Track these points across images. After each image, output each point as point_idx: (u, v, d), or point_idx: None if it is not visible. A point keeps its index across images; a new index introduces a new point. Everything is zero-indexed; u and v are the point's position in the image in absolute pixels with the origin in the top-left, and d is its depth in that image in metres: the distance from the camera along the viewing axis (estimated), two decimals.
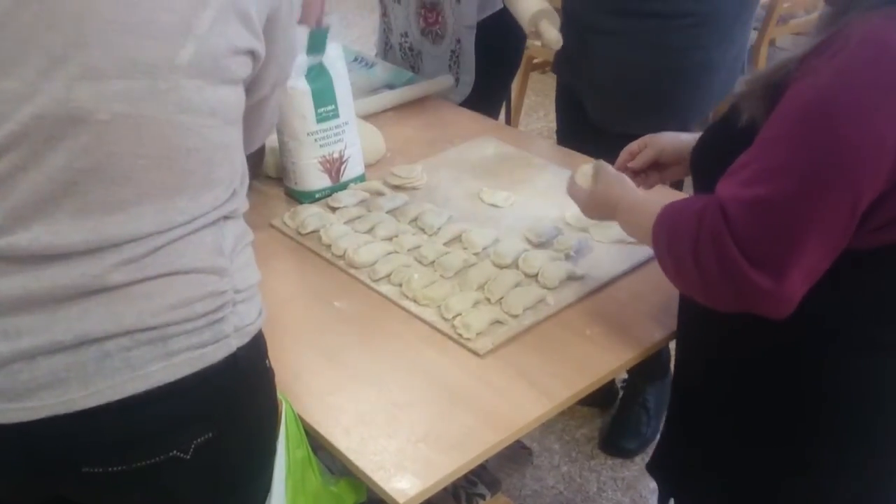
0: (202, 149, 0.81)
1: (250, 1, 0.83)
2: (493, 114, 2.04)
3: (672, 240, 0.96)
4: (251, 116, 0.99)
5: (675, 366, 1.19)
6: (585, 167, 1.22)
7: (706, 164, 0.95)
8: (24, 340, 0.77)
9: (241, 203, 0.91)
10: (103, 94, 0.75)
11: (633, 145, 1.28)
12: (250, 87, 0.91)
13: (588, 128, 1.74)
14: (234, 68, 0.83)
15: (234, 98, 0.85)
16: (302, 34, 1.35)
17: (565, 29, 1.73)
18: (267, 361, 0.93)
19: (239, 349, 0.85)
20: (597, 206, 1.16)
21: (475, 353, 1.12)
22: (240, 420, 0.88)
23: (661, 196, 1.16)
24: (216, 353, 0.83)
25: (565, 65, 1.79)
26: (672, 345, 1.20)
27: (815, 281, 0.88)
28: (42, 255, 0.77)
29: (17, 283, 0.77)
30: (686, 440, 1.17)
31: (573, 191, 1.22)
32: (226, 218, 0.87)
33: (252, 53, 0.85)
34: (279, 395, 0.98)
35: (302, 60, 1.37)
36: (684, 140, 1.22)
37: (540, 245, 1.34)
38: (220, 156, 0.84)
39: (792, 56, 0.90)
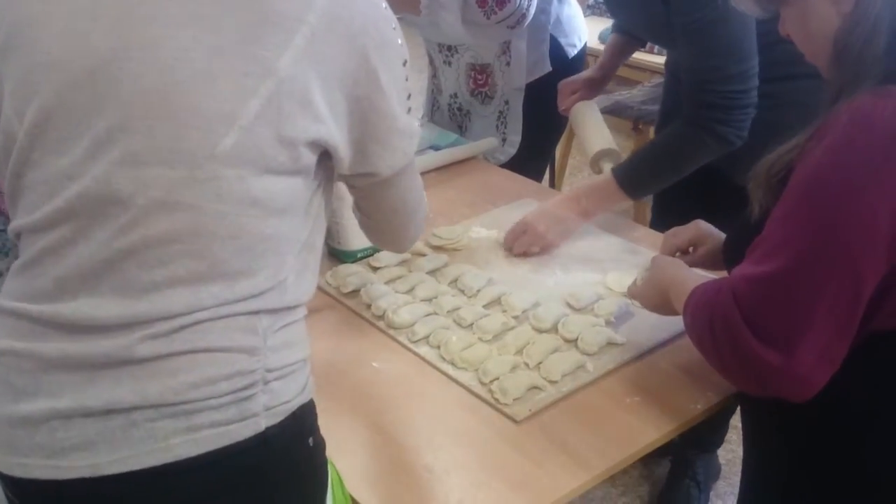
0: (239, 237, 0.80)
1: (312, 86, 0.79)
2: (538, 175, 2.05)
3: (694, 319, 0.97)
4: (369, 201, 0.99)
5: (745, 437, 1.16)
6: (644, 269, 1.22)
7: (735, 261, 0.96)
8: (64, 399, 0.78)
9: (294, 296, 0.85)
10: (141, 180, 0.77)
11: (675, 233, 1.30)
12: (355, 169, 0.90)
13: None
14: (282, 159, 0.80)
15: (282, 188, 0.81)
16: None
17: None
18: (310, 439, 0.88)
19: (270, 428, 0.82)
20: (653, 295, 1.16)
21: (512, 418, 1.11)
22: (275, 500, 0.85)
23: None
24: (242, 431, 0.80)
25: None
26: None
27: (837, 363, 0.86)
28: (81, 326, 0.78)
29: (57, 346, 0.79)
30: None
31: (632, 291, 1.23)
32: (271, 312, 0.83)
33: (315, 142, 0.82)
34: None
35: None
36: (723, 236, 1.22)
37: (580, 310, 1.33)
38: (262, 246, 0.82)
39: (793, 143, 0.92)
